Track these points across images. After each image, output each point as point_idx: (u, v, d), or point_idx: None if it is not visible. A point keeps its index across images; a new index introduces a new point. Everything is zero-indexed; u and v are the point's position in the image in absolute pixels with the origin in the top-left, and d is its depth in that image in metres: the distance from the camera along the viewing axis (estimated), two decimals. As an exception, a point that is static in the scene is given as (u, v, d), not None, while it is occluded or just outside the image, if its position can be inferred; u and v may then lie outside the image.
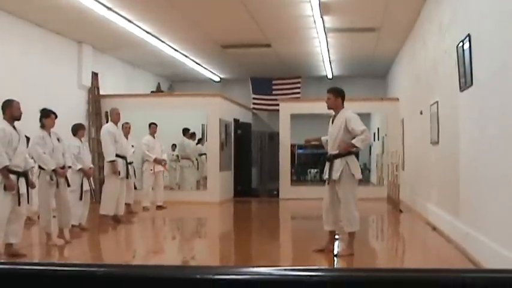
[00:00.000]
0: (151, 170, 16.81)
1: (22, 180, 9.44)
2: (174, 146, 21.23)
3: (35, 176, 10.84)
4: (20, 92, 12.53)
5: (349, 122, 9.35)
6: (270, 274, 1.36)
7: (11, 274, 1.46)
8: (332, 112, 9.81)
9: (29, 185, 9.66)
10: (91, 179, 12.98)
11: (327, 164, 9.70)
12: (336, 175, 9.44)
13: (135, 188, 16.14)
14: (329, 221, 9.75)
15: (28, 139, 10.58)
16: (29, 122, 10.27)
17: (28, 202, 9.93)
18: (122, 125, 15.02)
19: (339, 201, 9.60)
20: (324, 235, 9.90)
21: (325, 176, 9.74)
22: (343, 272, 1.45)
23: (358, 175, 9.61)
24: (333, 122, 9.69)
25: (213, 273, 1.38)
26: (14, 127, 9.42)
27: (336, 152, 9.49)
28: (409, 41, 17.35)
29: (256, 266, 1.37)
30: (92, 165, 13.16)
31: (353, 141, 9.25)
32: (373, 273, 1.42)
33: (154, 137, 17.01)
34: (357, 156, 30.01)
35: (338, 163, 9.46)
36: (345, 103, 9.73)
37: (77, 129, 12.78)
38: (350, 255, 9.52)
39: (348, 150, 9.43)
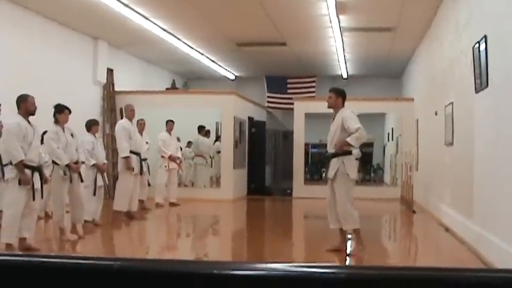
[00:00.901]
0: (165, 166, 16.83)
1: (36, 175, 9.50)
2: (190, 143, 21.24)
3: (49, 171, 10.88)
4: (35, 87, 12.57)
5: (345, 121, 9.43)
6: (285, 270, 1.38)
7: (26, 266, 1.47)
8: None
9: (43, 180, 9.71)
10: (105, 174, 13.02)
11: (326, 163, 9.83)
12: (331, 173, 9.54)
13: (149, 184, 16.16)
14: (333, 219, 9.78)
15: (45, 133, 10.69)
16: (44, 118, 10.31)
17: (42, 197, 9.99)
18: (137, 122, 15.04)
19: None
20: (337, 234, 9.89)
21: (324, 174, 9.94)
22: (356, 270, 1.46)
23: (353, 175, 9.60)
24: (332, 122, 9.80)
25: (230, 268, 1.40)
26: (28, 122, 9.47)
27: (334, 151, 9.56)
28: (425, 41, 17.30)
29: (272, 262, 1.38)
30: (105, 161, 13.20)
31: (347, 139, 9.30)
32: (385, 271, 1.42)
33: (170, 134, 17.03)
34: (371, 156, 29.94)
35: (334, 162, 9.54)
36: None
37: (90, 125, 12.82)
38: (361, 252, 9.60)
39: (343, 149, 9.45)
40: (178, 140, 18.45)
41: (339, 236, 9.87)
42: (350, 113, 9.65)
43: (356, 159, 28.65)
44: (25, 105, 9.47)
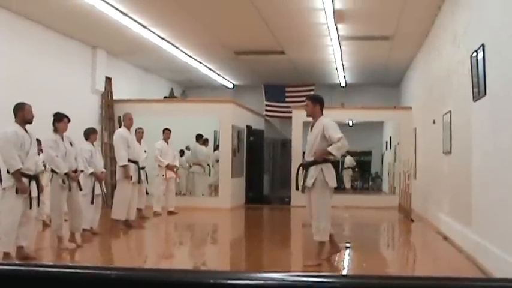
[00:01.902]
0: (163, 175, 16.79)
1: (33, 184, 9.48)
2: (182, 152, 21.17)
3: (47, 180, 10.87)
4: (34, 95, 12.60)
5: (326, 130, 9.21)
6: (283, 280, 1.37)
7: (23, 276, 1.47)
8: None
9: (39, 188, 9.69)
10: (103, 183, 13.00)
11: (303, 172, 9.59)
12: (309, 182, 9.33)
13: (147, 193, 16.13)
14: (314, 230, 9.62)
15: (39, 142, 10.64)
16: (42, 126, 10.31)
17: (38, 205, 9.97)
18: (135, 130, 15.01)
19: None
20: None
21: (299, 183, 9.64)
22: (354, 279, 1.46)
23: (332, 183, 9.37)
24: (311, 130, 9.59)
25: (227, 278, 1.39)
26: (25, 130, 9.46)
27: (312, 159, 9.36)
28: (423, 50, 17.33)
29: (269, 272, 1.38)
30: (103, 170, 13.18)
31: (329, 148, 9.11)
32: (383, 281, 1.42)
33: (167, 142, 17.00)
34: (369, 164, 29.99)
35: (313, 170, 9.32)
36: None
37: (89, 134, 12.81)
38: (318, 266, 9.31)
39: (323, 158, 9.27)
40: (187, 149, 18.39)
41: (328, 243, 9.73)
42: (331, 122, 9.45)
43: (349, 167, 28.45)
44: (22, 114, 9.46)
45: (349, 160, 27.20)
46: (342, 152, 9.54)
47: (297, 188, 9.70)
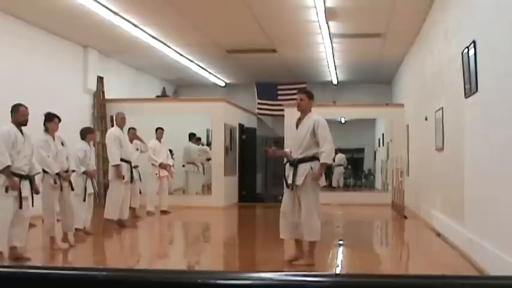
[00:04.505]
0: (156, 174, 16.77)
1: (25, 184, 9.44)
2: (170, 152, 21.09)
3: (39, 180, 10.83)
4: (26, 95, 12.52)
5: (318, 127, 8.99)
6: (272, 279, 1.37)
7: (14, 277, 1.46)
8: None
9: (33, 190, 9.65)
10: (94, 180, 12.92)
11: (290, 169, 9.25)
12: (299, 180, 9.02)
13: (140, 192, 16.10)
14: (287, 230, 9.30)
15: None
16: (34, 126, 10.27)
17: (32, 205, 9.94)
18: (128, 130, 14.97)
19: (300, 208, 9.17)
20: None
21: (288, 180, 9.21)
22: (344, 278, 1.45)
23: (322, 181, 9.21)
24: (297, 126, 9.33)
25: (215, 278, 1.39)
26: (20, 131, 9.45)
27: (302, 156, 9.09)
28: (414, 47, 17.34)
29: (258, 271, 1.37)
30: (94, 167, 13.10)
31: (322, 160, 8.93)
32: (374, 279, 1.42)
33: (160, 141, 16.98)
34: (362, 161, 29.92)
35: (302, 168, 9.05)
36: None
37: (85, 133, 12.70)
38: (310, 265, 9.09)
39: (313, 155, 9.02)
40: (171, 152, 18.38)
41: (294, 246, 9.50)
42: (323, 120, 9.20)
43: (340, 165, 28.35)
44: (15, 115, 9.46)
45: (340, 158, 27.13)
46: (332, 157, 9.28)
47: (287, 186, 9.27)
